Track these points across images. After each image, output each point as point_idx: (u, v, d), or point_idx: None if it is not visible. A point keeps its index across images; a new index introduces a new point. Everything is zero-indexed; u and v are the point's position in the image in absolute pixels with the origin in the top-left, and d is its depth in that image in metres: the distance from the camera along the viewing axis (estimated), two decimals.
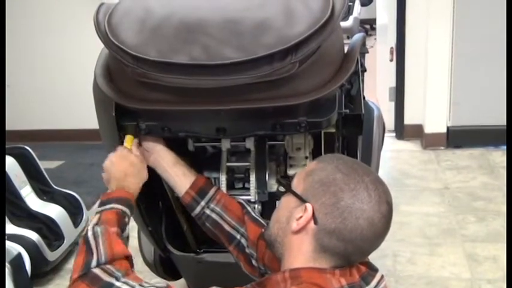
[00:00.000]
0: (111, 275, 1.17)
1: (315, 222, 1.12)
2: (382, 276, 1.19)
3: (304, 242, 1.14)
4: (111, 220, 1.28)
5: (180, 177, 1.48)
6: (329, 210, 1.11)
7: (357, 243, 1.13)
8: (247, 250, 1.45)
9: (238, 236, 1.47)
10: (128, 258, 1.25)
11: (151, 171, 1.50)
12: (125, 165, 1.40)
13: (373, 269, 1.20)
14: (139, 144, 1.48)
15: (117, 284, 1.16)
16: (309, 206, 1.12)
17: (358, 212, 1.11)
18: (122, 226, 1.30)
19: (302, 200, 1.15)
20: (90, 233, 1.24)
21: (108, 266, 1.19)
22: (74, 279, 1.17)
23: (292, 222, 1.15)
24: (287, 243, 1.18)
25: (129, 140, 1.46)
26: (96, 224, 1.27)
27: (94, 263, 1.19)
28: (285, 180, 1.26)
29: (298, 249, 1.15)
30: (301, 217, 1.13)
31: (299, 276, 1.11)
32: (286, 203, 1.20)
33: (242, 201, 1.51)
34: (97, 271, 1.17)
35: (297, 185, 1.18)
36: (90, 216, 2.95)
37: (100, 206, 1.33)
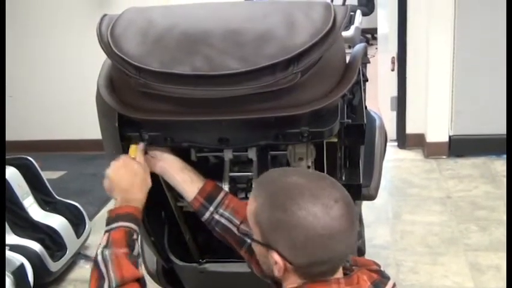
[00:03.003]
0: None
1: (290, 263, 1.13)
2: (394, 284, 1.19)
3: (291, 276, 1.15)
4: (119, 240, 1.29)
5: (187, 183, 1.48)
6: (293, 250, 1.12)
7: (333, 248, 1.12)
8: None
9: (248, 240, 1.47)
10: (139, 280, 1.26)
11: (154, 181, 1.51)
12: (129, 174, 1.40)
13: (385, 277, 1.20)
14: (145, 152, 1.48)
15: None
16: (275, 255, 1.13)
17: (316, 232, 1.09)
18: (131, 244, 1.31)
19: (267, 246, 1.15)
20: (100, 258, 1.26)
21: None
22: None
23: (273, 268, 1.15)
24: (279, 277, 1.18)
25: (133, 149, 1.46)
26: (105, 246, 1.28)
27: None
28: (245, 230, 1.25)
29: (291, 281, 1.16)
30: (276, 263, 1.14)
31: None
32: (258, 249, 1.20)
33: None
34: None
35: (254, 230, 1.18)
36: (93, 226, 2.96)
37: (108, 223, 1.34)
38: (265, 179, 1.22)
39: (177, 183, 1.49)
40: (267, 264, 1.19)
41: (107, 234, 1.32)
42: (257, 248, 1.20)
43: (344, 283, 1.14)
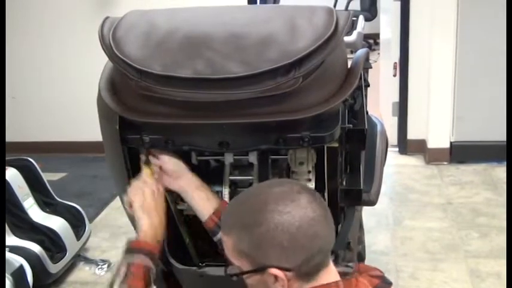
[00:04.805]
0: None
1: (289, 270, 1.12)
2: None
3: (295, 285, 1.15)
4: (138, 276, 1.30)
5: (204, 201, 1.48)
6: (285, 255, 1.12)
7: (317, 234, 1.13)
8: None
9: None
10: None
11: None
12: (148, 200, 1.42)
13: (387, 282, 1.20)
14: (160, 168, 1.48)
15: None
16: (273, 270, 1.12)
17: (296, 226, 1.11)
18: (149, 282, 1.32)
19: (262, 269, 1.14)
20: None
21: None
22: None
23: None
24: None
25: (146, 172, 1.47)
26: (123, 280, 1.29)
27: None
28: (233, 269, 1.21)
29: None
30: (277, 279, 1.13)
31: None
32: (253, 280, 1.17)
33: None
34: None
35: (241, 264, 1.17)
36: (93, 228, 2.96)
37: (127, 252, 1.34)
38: (226, 214, 1.23)
39: (193, 201, 1.50)
40: None
41: (125, 265, 1.31)
42: (253, 279, 1.18)
43: (343, 286, 1.14)
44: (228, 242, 1.18)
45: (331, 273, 1.18)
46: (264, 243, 1.12)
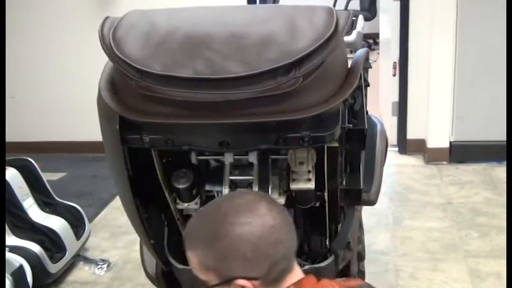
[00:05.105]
0: None
1: (255, 279, 1.14)
2: None
3: None
4: None
5: None
6: (249, 264, 1.13)
7: (279, 241, 1.16)
8: None
9: None
10: None
11: (154, 183, 1.50)
12: None
13: None
14: None
15: None
16: (239, 281, 1.14)
17: (258, 235, 1.13)
18: None
19: (229, 281, 1.15)
20: None
21: None
22: None
23: None
24: None
25: None
26: None
27: None
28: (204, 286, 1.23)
29: None
30: None
31: None
32: None
33: None
34: None
35: (209, 278, 1.18)
36: (92, 228, 2.96)
37: None
38: (189, 231, 1.24)
39: None
40: None
41: None
42: None
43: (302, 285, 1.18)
44: (193, 258, 1.19)
45: (296, 276, 1.21)
46: (228, 255, 1.14)
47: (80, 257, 2.84)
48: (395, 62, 3.93)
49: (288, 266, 1.19)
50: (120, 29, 1.36)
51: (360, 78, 1.42)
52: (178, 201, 1.63)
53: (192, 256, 1.20)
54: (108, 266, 2.80)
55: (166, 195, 1.61)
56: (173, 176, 1.57)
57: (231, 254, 1.13)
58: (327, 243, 1.73)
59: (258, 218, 1.15)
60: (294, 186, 1.57)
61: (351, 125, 1.50)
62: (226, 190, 1.57)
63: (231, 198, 1.24)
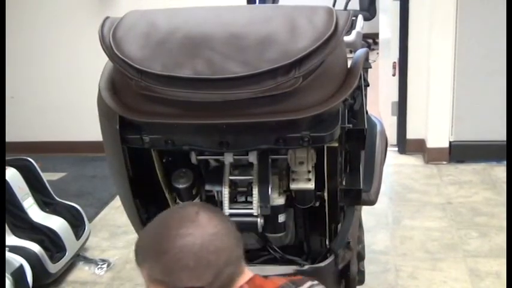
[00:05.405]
0: None
1: None
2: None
3: None
4: None
5: None
6: (194, 275, 1.13)
7: (223, 248, 1.17)
8: None
9: None
10: None
11: (153, 182, 1.50)
12: None
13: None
14: None
15: None
16: None
17: (201, 245, 1.14)
18: None
19: None
20: None
21: None
22: None
23: None
24: None
25: None
26: None
27: None
28: None
29: None
30: None
31: None
32: None
33: None
34: None
35: None
36: (92, 228, 2.96)
37: None
38: (137, 247, 1.24)
39: None
40: None
41: None
42: None
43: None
44: (143, 272, 1.20)
45: (247, 277, 1.21)
46: (174, 267, 1.14)
47: (79, 257, 2.84)
48: (394, 62, 3.93)
49: (235, 271, 1.19)
50: (120, 29, 1.36)
51: (360, 78, 1.42)
52: (178, 201, 1.63)
53: (141, 270, 1.21)
54: (108, 266, 2.80)
55: (166, 195, 1.61)
56: (173, 176, 1.57)
57: (175, 266, 1.14)
58: (327, 243, 1.73)
59: (198, 228, 1.15)
60: (293, 186, 1.57)
61: (350, 125, 1.50)
62: (226, 190, 1.57)
63: (173, 212, 1.26)
